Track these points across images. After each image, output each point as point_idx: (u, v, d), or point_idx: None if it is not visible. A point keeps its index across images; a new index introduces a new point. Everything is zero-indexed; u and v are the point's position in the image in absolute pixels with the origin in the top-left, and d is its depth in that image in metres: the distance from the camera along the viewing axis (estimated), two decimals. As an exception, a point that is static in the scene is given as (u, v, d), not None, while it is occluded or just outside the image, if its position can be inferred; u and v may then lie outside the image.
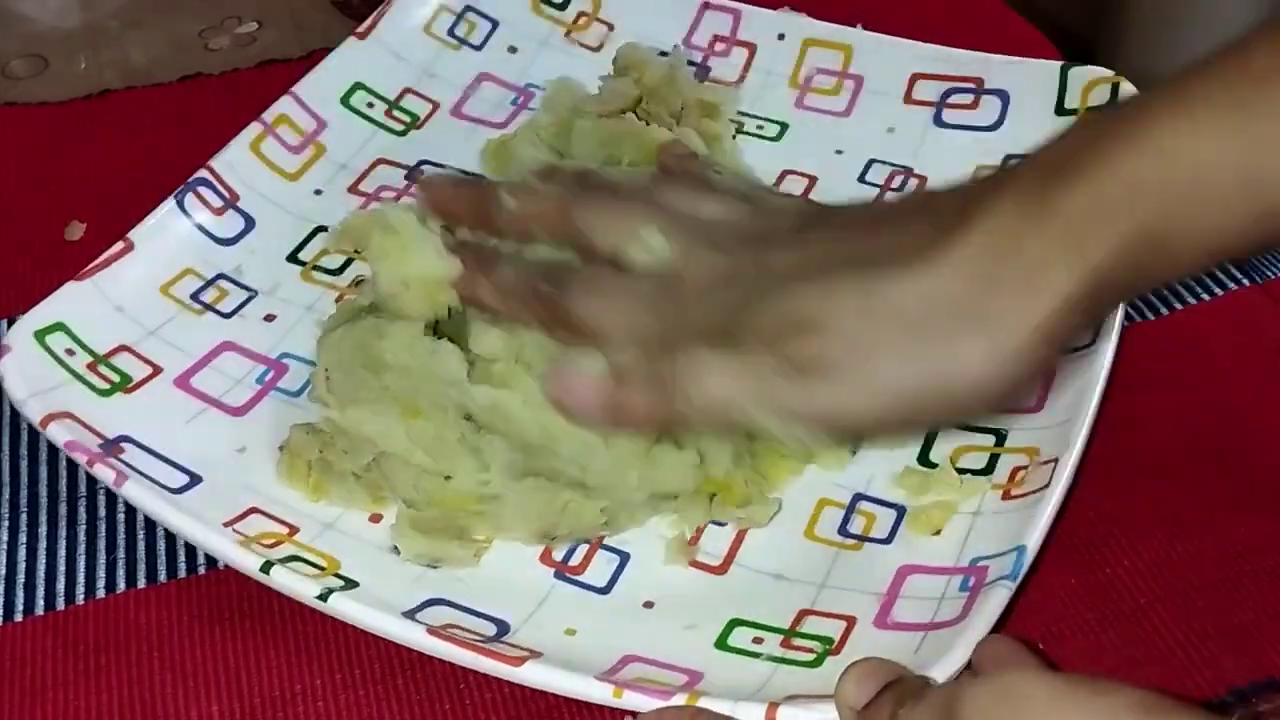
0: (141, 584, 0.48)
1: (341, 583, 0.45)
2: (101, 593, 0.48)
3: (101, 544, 0.50)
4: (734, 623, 0.45)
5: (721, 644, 0.44)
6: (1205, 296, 0.57)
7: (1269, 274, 0.57)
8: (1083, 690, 0.32)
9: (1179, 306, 0.56)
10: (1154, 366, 0.53)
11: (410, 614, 0.44)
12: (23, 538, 0.50)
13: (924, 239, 0.40)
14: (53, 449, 0.53)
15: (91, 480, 0.52)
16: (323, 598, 0.43)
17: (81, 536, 0.50)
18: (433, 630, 0.42)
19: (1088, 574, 0.47)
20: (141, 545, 0.50)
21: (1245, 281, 0.57)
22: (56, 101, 0.70)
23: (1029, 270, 0.38)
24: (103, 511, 0.51)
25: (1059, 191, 0.38)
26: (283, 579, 0.44)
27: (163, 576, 0.49)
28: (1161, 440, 0.51)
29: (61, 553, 0.50)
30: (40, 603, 0.48)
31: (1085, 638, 0.45)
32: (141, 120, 0.68)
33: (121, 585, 0.48)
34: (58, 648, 0.47)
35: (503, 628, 0.45)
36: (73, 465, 0.52)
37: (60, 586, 0.49)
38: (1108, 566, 0.47)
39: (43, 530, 0.50)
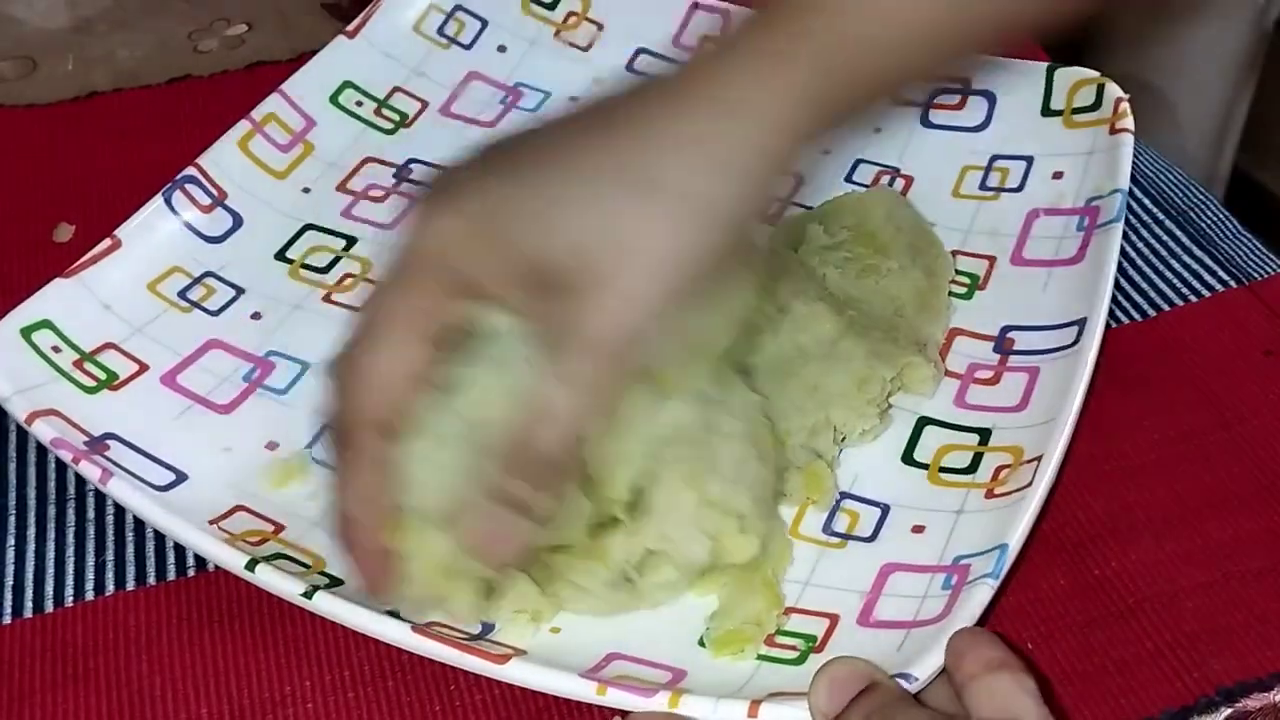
0: (130, 586, 0.48)
1: (327, 580, 0.45)
2: (90, 595, 0.48)
3: (90, 546, 0.50)
4: None
5: (705, 642, 0.44)
6: (1193, 298, 0.57)
7: (1256, 275, 0.57)
8: None
9: (1166, 308, 0.56)
10: (1142, 368, 0.53)
11: (395, 612, 0.44)
12: (11, 540, 0.50)
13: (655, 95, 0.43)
14: (41, 451, 0.52)
15: (80, 482, 0.52)
16: (307, 595, 0.43)
17: (70, 539, 0.50)
18: (418, 628, 0.42)
19: (1076, 575, 0.47)
20: (130, 547, 0.49)
21: (1232, 283, 0.57)
22: (44, 103, 0.70)
23: (737, 102, 0.42)
24: (91, 514, 0.51)
25: (776, 35, 0.42)
26: (267, 577, 0.44)
27: (151, 579, 0.49)
28: (1150, 441, 0.51)
29: (50, 555, 0.49)
30: (29, 605, 0.48)
31: (1074, 638, 0.46)
32: (130, 122, 0.68)
33: (110, 588, 0.48)
34: (46, 650, 0.47)
35: (487, 626, 0.45)
36: (61, 467, 0.52)
37: (49, 589, 0.48)
38: (1096, 568, 0.48)
39: (31, 533, 0.50)
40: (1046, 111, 0.60)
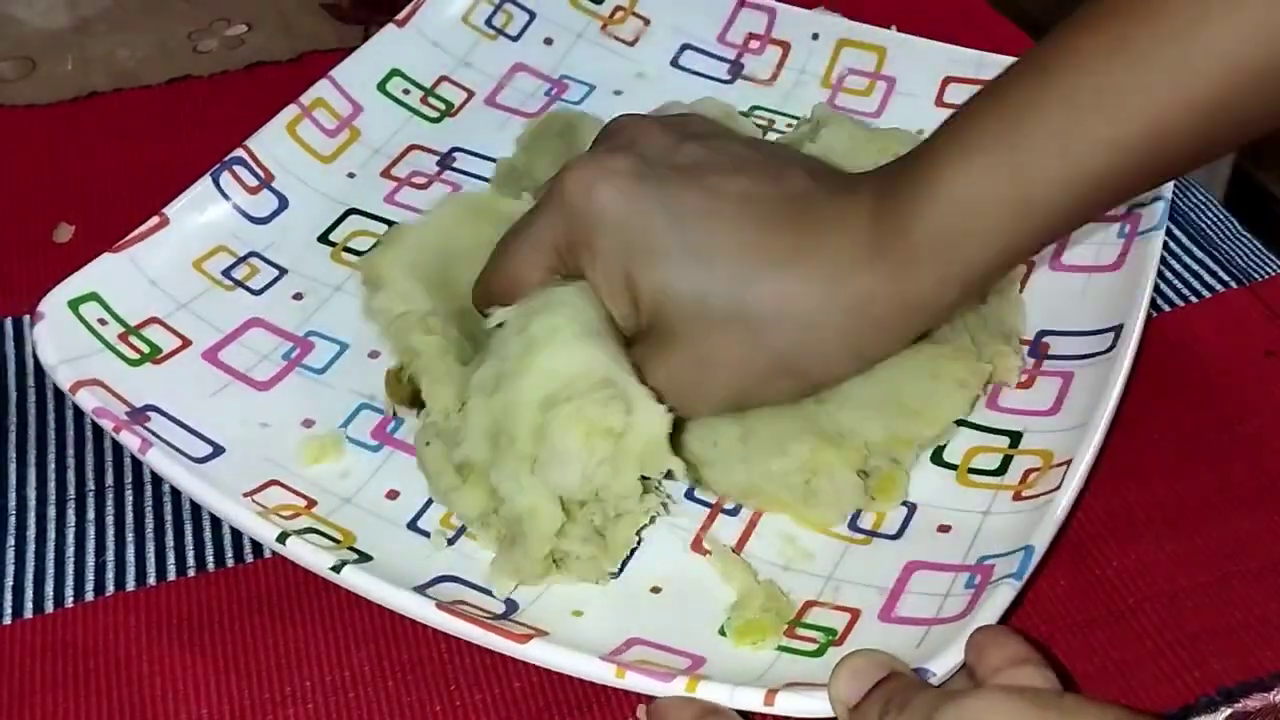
0: (130, 586, 0.48)
1: (356, 556, 0.46)
2: (90, 595, 0.48)
3: (90, 546, 0.50)
4: None
5: (725, 631, 0.45)
6: (1193, 299, 0.57)
7: (1256, 276, 0.57)
8: (1050, 714, 0.34)
9: (1167, 309, 0.56)
10: (1143, 368, 0.53)
11: (421, 589, 0.45)
12: (10, 540, 0.50)
13: (796, 240, 0.45)
14: (40, 452, 0.52)
15: (80, 483, 0.52)
16: (336, 569, 0.44)
17: (70, 539, 0.50)
18: (442, 605, 0.43)
19: (1077, 575, 0.47)
20: (130, 548, 0.49)
21: (1232, 283, 0.57)
22: (44, 104, 0.70)
23: (857, 296, 0.44)
24: (91, 514, 0.51)
25: (889, 235, 0.44)
26: (298, 550, 0.45)
27: (151, 579, 0.49)
28: (1150, 441, 0.51)
29: (50, 555, 0.49)
30: (29, 605, 0.48)
31: (1074, 638, 0.46)
32: (130, 122, 0.68)
33: (110, 588, 0.48)
34: (46, 650, 0.46)
35: (511, 606, 0.45)
36: (61, 468, 0.52)
37: (49, 589, 0.48)
38: (1097, 567, 0.48)
39: (31, 533, 0.50)
40: None
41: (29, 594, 0.48)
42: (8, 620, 0.47)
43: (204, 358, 0.53)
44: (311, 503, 0.48)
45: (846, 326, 0.45)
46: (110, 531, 0.50)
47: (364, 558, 0.46)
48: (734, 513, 0.49)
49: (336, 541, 0.47)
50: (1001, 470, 0.49)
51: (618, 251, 0.46)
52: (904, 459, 0.49)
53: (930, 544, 0.47)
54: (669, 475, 0.45)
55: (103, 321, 0.53)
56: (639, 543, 0.47)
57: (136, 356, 0.52)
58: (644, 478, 0.45)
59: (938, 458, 0.50)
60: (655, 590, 0.47)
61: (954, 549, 0.46)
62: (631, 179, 0.46)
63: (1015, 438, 0.50)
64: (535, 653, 0.42)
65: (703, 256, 0.45)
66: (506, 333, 0.47)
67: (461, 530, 0.48)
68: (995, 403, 0.51)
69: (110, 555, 0.49)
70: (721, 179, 0.46)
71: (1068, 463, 0.46)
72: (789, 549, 0.48)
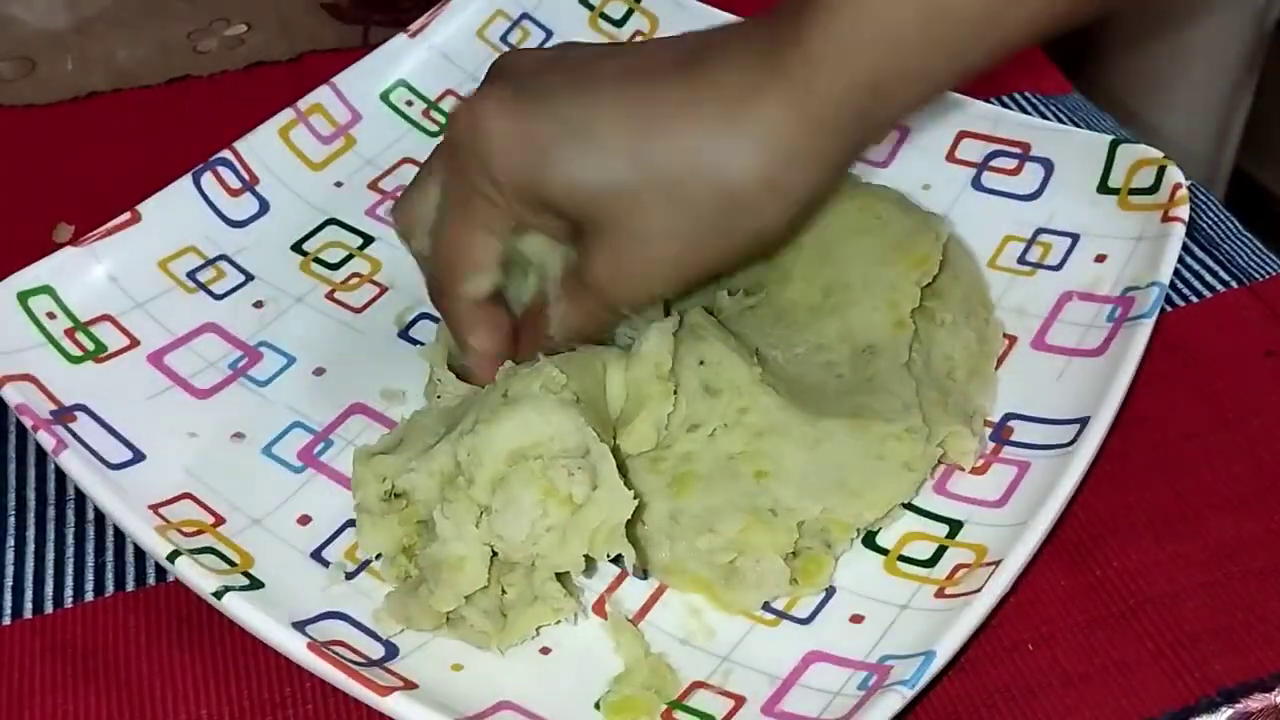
0: (130, 587, 0.48)
1: (246, 582, 0.45)
2: (90, 595, 0.48)
3: (90, 547, 0.50)
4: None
5: (601, 704, 0.43)
6: (1194, 299, 0.57)
7: (1256, 275, 0.57)
8: None
9: (1168, 309, 0.56)
10: (1143, 368, 0.53)
11: (303, 624, 0.43)
12: (10, 540, 0.50)
13: (669, 89, 0.44)
14: (41, 452, 0.52)
15: (80, 483, 0.52)
16: (218, 595, 0.43)
17: (70, 539, 0.50)
18: (312, 645, 0.41)
19: (1077, 575, 0.47)
20: (130, 548, 0.49)
21: (1232, 283, 0.57)
22: (44, 104, 0.70)
23: (761, 125, 0.43)
24: (91, 514, 0.51)
25: (785, 52, 0.43)
26: (185, 570, 0.43)
27: (151, 580, 0.49)
28: (1150, 442, 0.51)
29: (50, 556, 0.49)
30: (29, 606, 0.48)
31: (1074, 639, 0.46)
32: (129, 122, 0.68)
33: (110, 588, 0.48)
34: (46, 651, 0.46)
35: (391, 651, 0.44)
36: (61, 468, 0.52)
37: (49, 590, 0.48)
38: (1097, 568, 0.47)
39: (31, 533, 0.50)
40: (1103, 188, 0.56)
41: (29, 594, 0.48)
42: (8, 620, 0.47)
43: (149, 360, 0.53)
44: (219, 520, 0.47)
45: (757, 164, 0.43)
46: (110, 531, 0.50)
47: (255, 585, 0.45)
48: (645, 575, 0.47)
49: (232, 564, 0.45)
50: (932, 562, 0.46)
51: (520, 169, 0.45)
52: (838, 543, 0.46)
53: (838, 634, 0.44)
54: (617, 560, 0.43)
55: (51, 315, 0.52)
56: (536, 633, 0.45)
57: (79, 354, 0.52)
58: (587, 558, 0.43)
59: (869, 540, 0.47)
60: (545, 651, 0.45)
61: (861, 643, 0.44)
62: (509, 99, 0.45)
63: (955, 527, 0.47)
64: (393, 705, 0.40)
65: (594, 137, 0.44)
66: (488, 392, 0.46)
67: (363, 566, 0.47)
68: (944, 487, 0.48)
69: (110, 555, 0.49)
70: (596, 64, 0.45)
71: (998, 563, 0.43)
72: (692, 622, 0.45)
